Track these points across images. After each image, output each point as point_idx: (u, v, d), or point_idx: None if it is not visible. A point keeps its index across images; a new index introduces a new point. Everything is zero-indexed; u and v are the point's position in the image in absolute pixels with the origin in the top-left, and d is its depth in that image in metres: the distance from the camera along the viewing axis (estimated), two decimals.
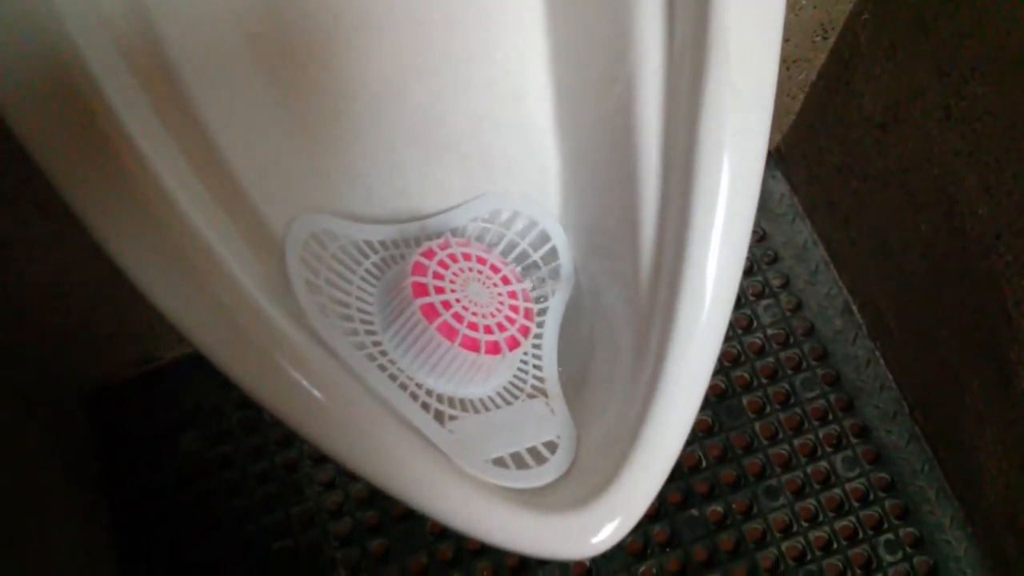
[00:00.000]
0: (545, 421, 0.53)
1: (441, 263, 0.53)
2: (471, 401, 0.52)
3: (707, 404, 1.04)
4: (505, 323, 0.53)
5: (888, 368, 1.06)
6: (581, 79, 0.54)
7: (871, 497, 1.00)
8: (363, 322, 0.52)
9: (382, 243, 0.57)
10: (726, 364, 1.06)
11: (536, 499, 0.48)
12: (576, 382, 0.56)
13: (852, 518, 0.99)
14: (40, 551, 0.81)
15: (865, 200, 0.98)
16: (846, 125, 0.97)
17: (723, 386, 1.05)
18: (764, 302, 1.10)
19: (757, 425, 1.03)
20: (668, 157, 0.48)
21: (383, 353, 0.51)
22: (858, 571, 0.97)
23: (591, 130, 0.55)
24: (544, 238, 0.61)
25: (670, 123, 0.48)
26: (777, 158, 1.16)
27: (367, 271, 0.55)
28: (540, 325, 0.58)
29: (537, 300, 0.59)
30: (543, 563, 0.96)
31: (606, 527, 0.47)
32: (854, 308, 1.09)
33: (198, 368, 1.05)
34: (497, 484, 0.48)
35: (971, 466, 0.95)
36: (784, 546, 0.98)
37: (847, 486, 1.01)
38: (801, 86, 1.00)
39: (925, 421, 1.02)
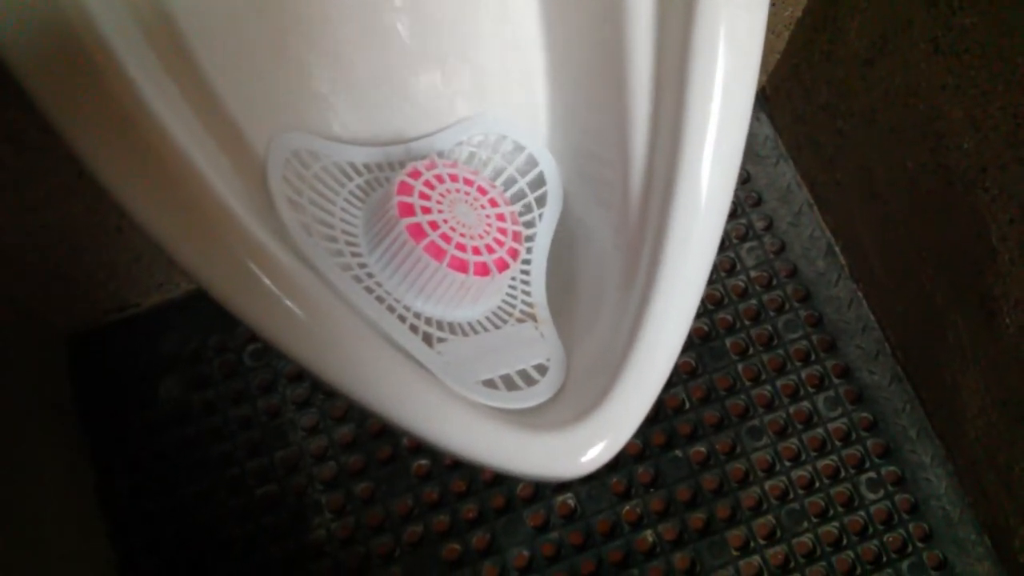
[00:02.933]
0: (534, 344, 0.52)
1: (427, 183, 0.52)
2: (460, 324, 0.52)
3: (691, 346, 1.04)
4: (494, 245, 0.52)
5: (870, 308, 1.06)
6: None
7: (853, 436, 1.01)
8: (348, 244, 0.51)
9: (366, 165, 0.55)
10: (709, 307, 1.06)
11: (525, 419, 0.48)
12: (566, 306, 0.55)
13: (834, 457, 1.00)
14: (21, 494, 0.80)
15: (850, 139, 0.98)
16: (832, 62, 0.96)
17: (706, 328, 1.05)
18: (747, 244, 1.09)
19: (740, 366, 1.04)
20: (660, 70, 0.47)
21: (369, 275, 0.50)
22: (840, 509, 0.98)
23: (580, 48, 0.54)
24: (532, 162, 0.59)
25: (662, 34, 0.47)
26: (762, 99, 1.15)
27: (351, 193, 0.53)
28: (529, 251, 0.57)
29: (526, 225, 0.58)
30: (528, 502, 0.96)
31: (595, 446, 0.46)
32: (837, 249, 1.09)
33: (177, 314, 1.04)
34: (486, 404, 0.47)
35: (953, 404, 0.95)
36: (767, 485, 0.99)
37: (829, 426, 1.01)
38: (787, 23, 0.99)
39: (907, 361, 1.03)
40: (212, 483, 0.97)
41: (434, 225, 0.50)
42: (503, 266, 0.52)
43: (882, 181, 0.95)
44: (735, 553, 0.96)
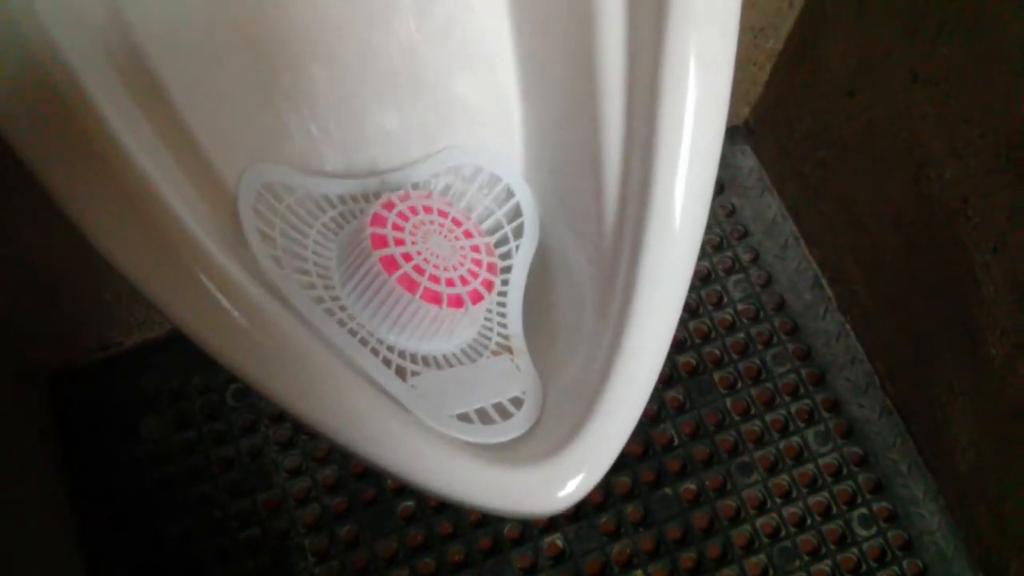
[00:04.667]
0: (510, 377, 0.51)
1: (401, 215, 0.51)
2: (434, 357, 0.51)
3: (679, 381, 1.03)
4: (468, 276, 0.51)
5: (859, 341, 1.05)
6: (543, 21, 0.52)
7: (844, 472, 1.00)
8: (320, 276, 0.50)
9: (340, 198, 0.55)
10: (697, 340, 1.05)
11: (500, 454, 0.47)
12: (542, 339, 0.54)
13: (825, 493, 0.99)
14: None
15: (834, 170, 0.98)
16: (814, 93, 0.96)
17: (694, 363, 1.04)
18: (734, 277, 1.09)
19: (729, 401, 1.02)
20: (631, 98, 0.47)
21: (342, 308, 0.49)
22: (832, 547, 0.96)
23: (553, 79, 0.53)
24: (508, 194, 0.59)
25: (633, 62, 0.46)
26: (745, 132, 1.15)
27: (324, 225, 0.53)
28: (505, 283, 0.56)
29: (502, 257, 0.57)
30: (516, 543, 0.94)
31: (572, 480, 0.45)
32: (824, 282, 1.08)
33: (159, 353, 1.03)
34: (460, 439, 0.46)
35: (942, 437, 0.94)
36: (758, 523, 0.97)
37: (820, 461, 1.00)
38: (769, 55, 0.99)
39: (896, 393, 1.02)
40: (194, 525, 0.95)
41: (407, 257, 0.50)
42: (477, 298, 0.51)
43: (867, 212, 0.95)
44: None
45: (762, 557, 0.95)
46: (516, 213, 0.59)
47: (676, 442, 1.00)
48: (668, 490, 0.98)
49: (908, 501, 0.98)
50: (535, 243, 0.58)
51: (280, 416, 1.00)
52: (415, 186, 0.56)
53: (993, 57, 0.69)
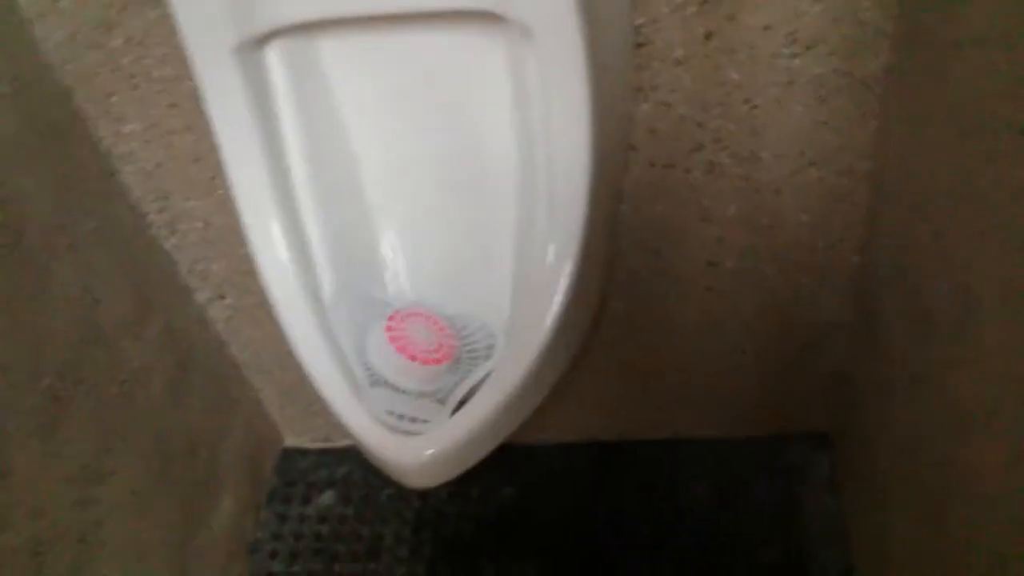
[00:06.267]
0: (433, 413, 0.90)
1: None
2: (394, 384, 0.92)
3: None
4: (434, 353, 0.93)
5: None
6: None
7: None
8: None
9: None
10: None
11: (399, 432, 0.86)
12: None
13: None
14: None
15: None
16: None
17: None
18: None
19: None
20: None
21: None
22: None
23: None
24: (491, 337, 1.00)
25: None
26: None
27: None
28: (462, 381, 0.96)
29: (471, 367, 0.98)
30: None
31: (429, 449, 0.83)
32: None
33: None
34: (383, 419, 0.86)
35: None
36: None
37: None
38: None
39: None
40: None
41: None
42: (438, 361, 0.92)
43: None
44: None
45: None
46: (491, 349, 1.00)
47: None
48: None
49: None
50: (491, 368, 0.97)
51: None
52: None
53: None
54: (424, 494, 1.43)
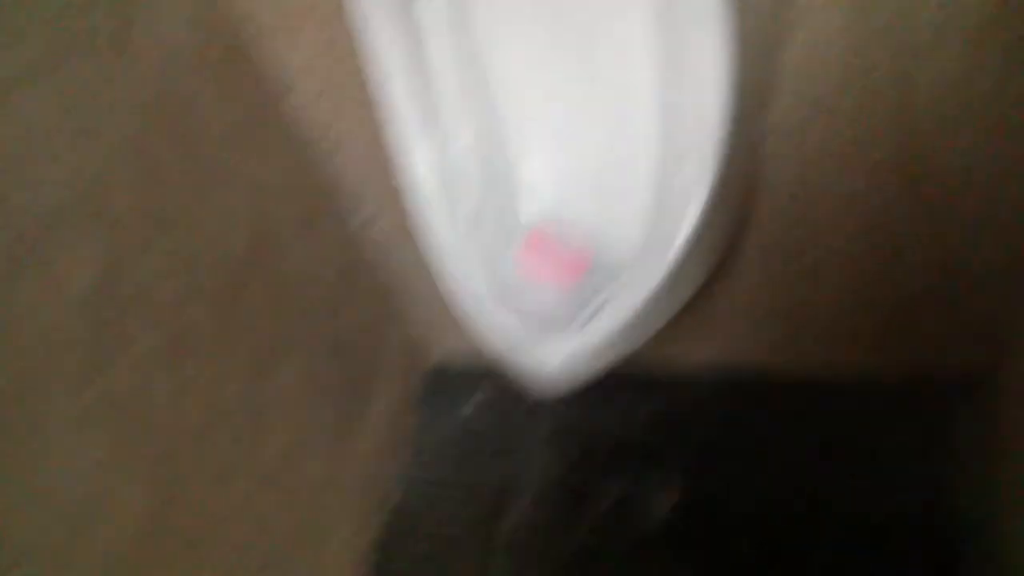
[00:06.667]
0: (570, 319, 0.96)
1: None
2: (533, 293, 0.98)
3: None
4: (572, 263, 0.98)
5: None
6: None
7: None
8: None
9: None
10: None
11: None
12: None
13: None
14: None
15: None
16: None
17: None
18: None
19: None
20: None
21: None
22: None
23: None
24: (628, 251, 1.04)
25: None
26: None
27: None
28: (597, 292, 1.01)
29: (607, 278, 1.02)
30: None
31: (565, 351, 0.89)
32: None
33: None
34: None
35: None
36: None
37: None
38: None
39: None
40: None
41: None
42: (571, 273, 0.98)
43: None
44: None
45: None
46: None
47: None
48: None
49: None
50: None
51: None
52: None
53: None
54: (563, 411, 1.50)
